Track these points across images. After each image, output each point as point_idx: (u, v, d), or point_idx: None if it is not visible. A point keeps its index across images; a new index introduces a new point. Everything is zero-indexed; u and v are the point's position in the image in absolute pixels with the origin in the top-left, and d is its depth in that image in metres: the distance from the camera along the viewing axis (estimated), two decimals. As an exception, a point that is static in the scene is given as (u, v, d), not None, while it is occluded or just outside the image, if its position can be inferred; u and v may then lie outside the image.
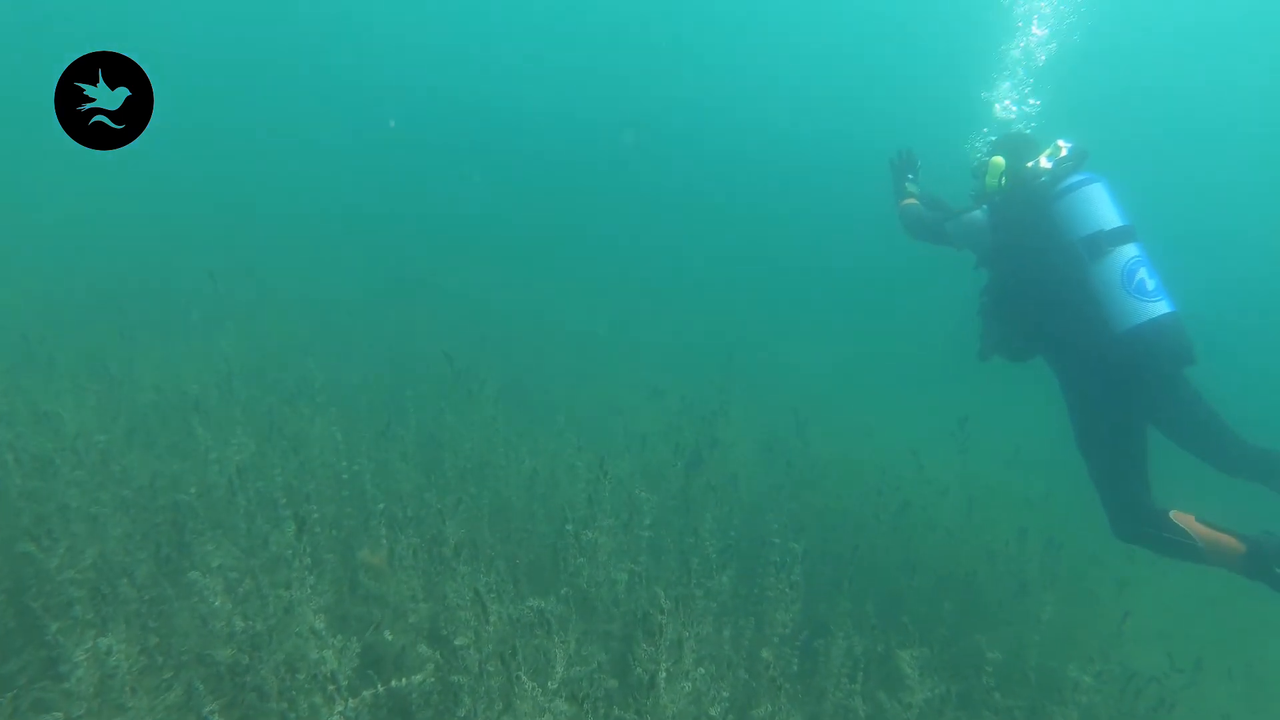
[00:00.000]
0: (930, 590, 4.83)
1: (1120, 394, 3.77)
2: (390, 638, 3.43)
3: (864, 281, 20.00)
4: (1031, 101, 5.35)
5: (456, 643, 3.47)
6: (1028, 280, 4.05)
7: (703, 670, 3.46)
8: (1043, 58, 6.02)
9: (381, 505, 4.22)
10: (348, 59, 33.72)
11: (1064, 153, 4.08)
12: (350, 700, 2.85)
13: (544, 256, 16.58)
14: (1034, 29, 6.27)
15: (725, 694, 3.33)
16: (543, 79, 34.43)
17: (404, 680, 3.10)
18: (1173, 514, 3.64)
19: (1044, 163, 4.08)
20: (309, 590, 2.91)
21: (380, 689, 2.95)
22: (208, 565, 3.51)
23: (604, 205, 27.26)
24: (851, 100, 31.01)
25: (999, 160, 4.29)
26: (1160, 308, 3.70)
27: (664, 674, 3.20)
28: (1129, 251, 3.79)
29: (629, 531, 4.35)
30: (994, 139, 4.68)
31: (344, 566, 4.26)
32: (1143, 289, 3.72)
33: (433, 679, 3.22)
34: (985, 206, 4.27)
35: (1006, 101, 5.54)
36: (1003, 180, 4.26)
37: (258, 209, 15.66)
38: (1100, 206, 3.89)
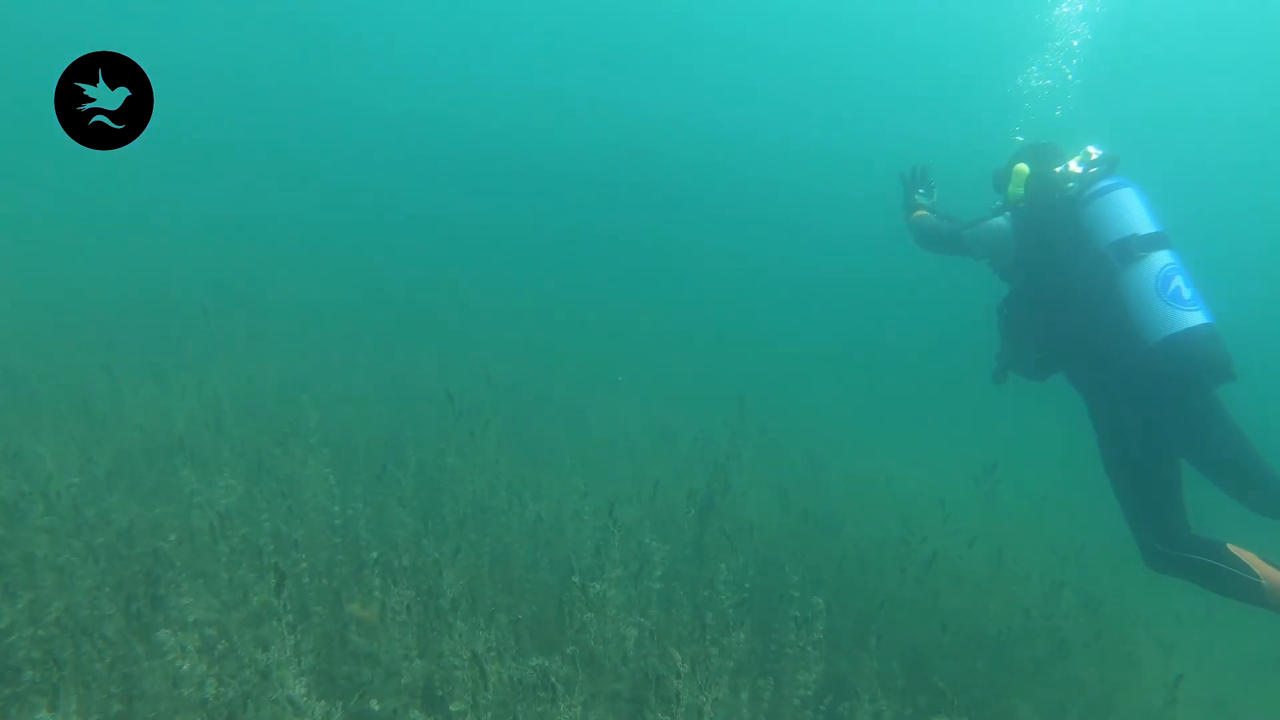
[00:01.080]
0: (960, 648, 4.51)
1: (1151, 411, 3.49)
2: (377, 707, 3.13)
3: (880, 314, 19.74)
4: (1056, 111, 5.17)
5: (452, 709, 3.18)
6: (1052, 290, 3.82)
7: (720, 738, 3.16)
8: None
9: (375, 553, 3.96)
10: (354, 83, 33.97)
11: (1094, 158, 3.89)
12: (332, 776, 2.56)
13: (553, 288, 16.37)
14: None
15: (747, 767, 3.02)
16: (555, 101, 34.48)
17: (392, 753, 2.81)
18: (1230, 546, 3.33)
19: (1074, 167, 3.90)
20: (289, 651, 2.64)
21: (366, 762, 2.66)
22: (183, 620, 3.24)
23: (616, 238, 27.20)
24: (876, 128, 31.01)
25: (1023, 167, 4.09)
26: (1196, 317, 3.43)
27: (680, 746, 2.91)
28: (1163, 258, 3.55)
29: (638, 583, 4.07)
30: (1017, 147, 4.48)
31: (333, 619, 3.98)
32: (1178, 297, 3.46)
33: (425, 751, 2.93)
34: (1008, 214, 4.07)
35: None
36: (1027, 189, 4.05)
37: (259, 237, 15.51)
38: (1132, 211, 3.67)
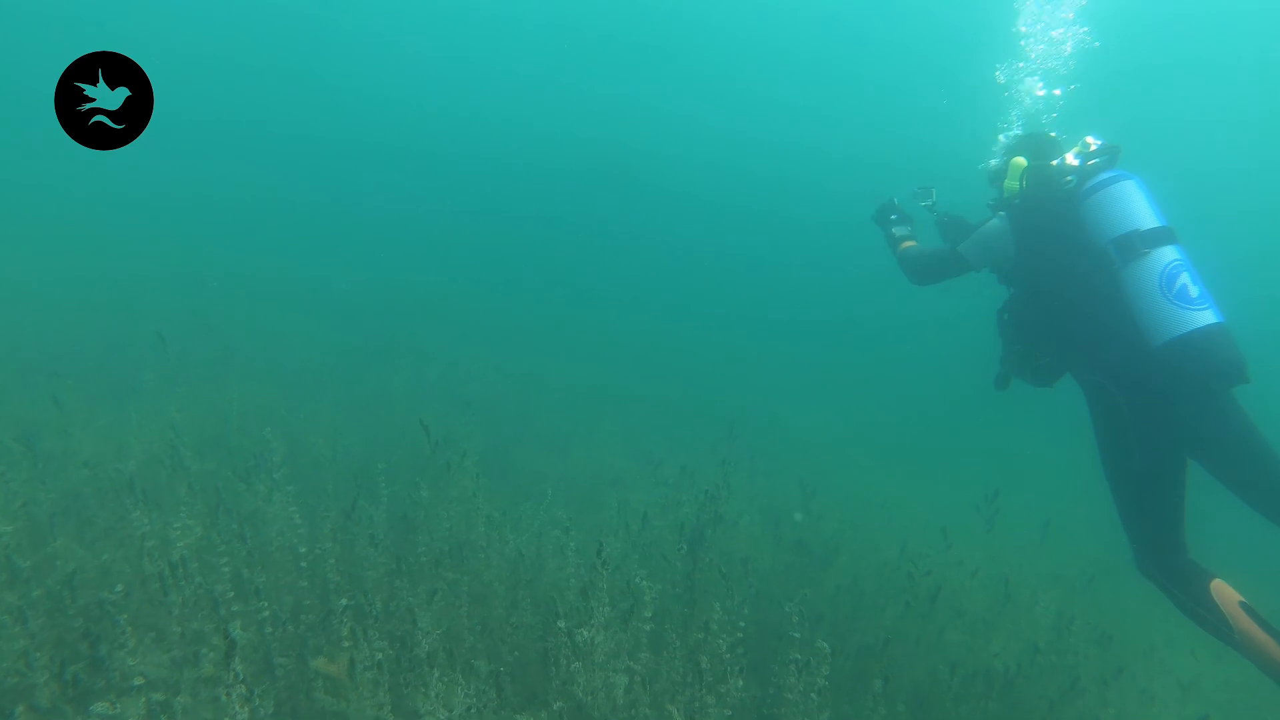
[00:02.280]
0: (967, 687, 4.27)
1: (1157, 418, 3.29)
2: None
3: (867, 338, 19.49)
4: (1055, 92, 4.99)
5: (428, 779, 2.89)
6: (1053, 290, 3.62)
7: (722, 800, 2.89)
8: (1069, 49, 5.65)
9: (345, 600, 3.66)
10: (326, 98, 33.44)
11: (1093, 149, 3.69)
12: None
13: (532, 313, 15.93)
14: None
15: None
16: (533, 113, 34.09)
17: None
18: (1213, 585, 3.15)
19: (1070, 160, 3.69)
20: (241, 726, 2.33)
21: None
22: (127, 685, 2.92)
23: (595, 259, 26.84)
24: (869, 142, 30.89)
25: (1020, 161, 3.87)
26: (1205, 317, 3.23)
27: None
28: (1168, 254, 3.34)
29: (628, 626, 3.80)
30: (1012, 140, 4.26)
31: (298, 671, 3.67)
32: (1185, 296, 3.26)
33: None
34: (1004, 213, 3.85)
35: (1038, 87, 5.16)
36: (1023, 183, 3.83)
37: (222, 260, 14.86)
38: (1133, 205, 3.47)
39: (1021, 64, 5.34)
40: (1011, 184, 3.89)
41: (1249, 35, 21.67)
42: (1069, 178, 3.66)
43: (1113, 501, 3.47)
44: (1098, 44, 5.38)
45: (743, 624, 3.93)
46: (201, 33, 28.76)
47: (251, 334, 9.67)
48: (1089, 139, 3.76)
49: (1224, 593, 3.13)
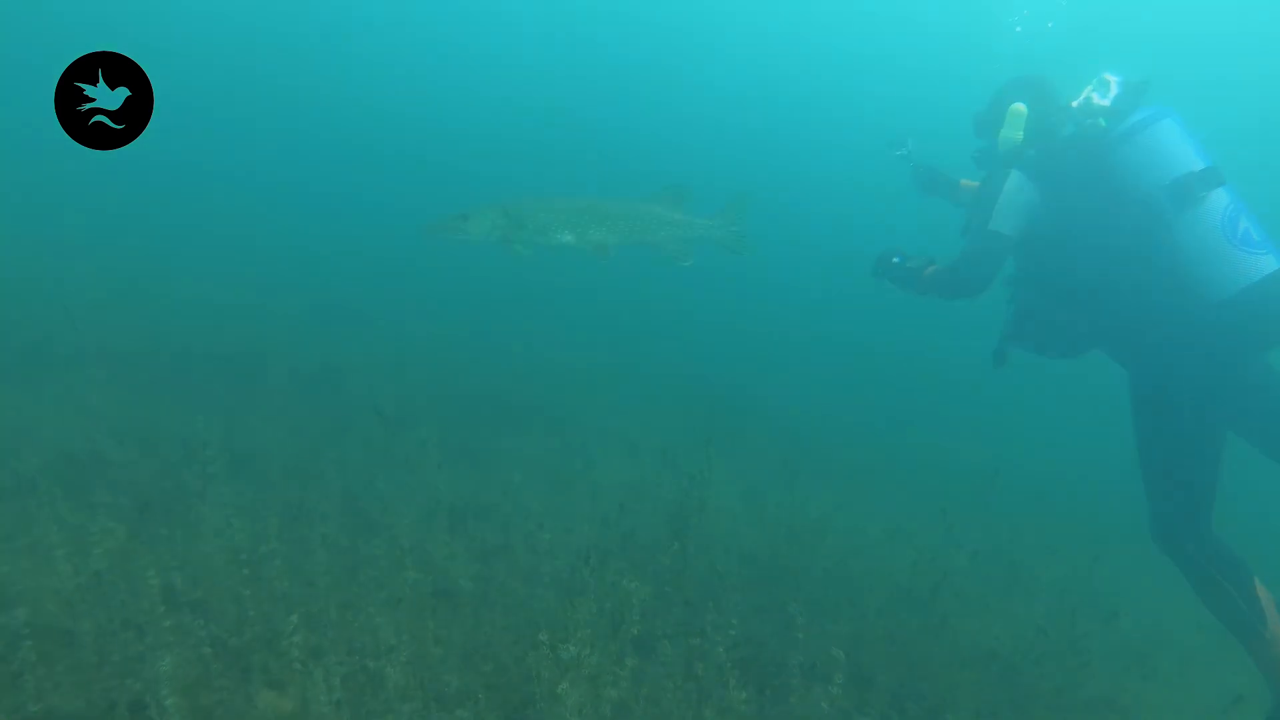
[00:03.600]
0: (974, 679, 4.02)
1: (1214, 378, 3.02)
2: None
3: (850, 312, 19.10)
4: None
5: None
6: (1090, 248, 3.23)
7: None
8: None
9: (294, 617, 3.21)
10: (280, 58, 31.87)
11: (1115, 88, 3.28)
12: None
13: (494, 284, 15.03)
14: None
15: None
16: (508, 83, 32.85)
17: None
18: (1257, 582, 2.97)
19: (1097, 100, 3.27)
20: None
21: None
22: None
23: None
24: (846, 121, 30.50)
25: (1019, 107, 3.41)
26: (1271, 262, 2.95)
27: None
28: (1223, 197, 3.04)
29: (616, 635, 3.44)
30: (1007, 83, 3.67)
31: (244, 698, 3.22)
32: (1249, 241, 2.97)
33: None
34: (1016, 168, 3.35)
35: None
36: (1028, 131, 3.41)
37: (147, 224, 13.67)
38: (1181, 145, 3.13)
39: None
40: (1012, 134, 3.43)
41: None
42: (1101, 119, 3.25)
43: (1145, 478, 3.20)
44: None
45: (735, 621, 3.61)
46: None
47: (179, 305, 8.86)
48: (1108, 76, 3.32)
49: (1263, 590, 2.95)
